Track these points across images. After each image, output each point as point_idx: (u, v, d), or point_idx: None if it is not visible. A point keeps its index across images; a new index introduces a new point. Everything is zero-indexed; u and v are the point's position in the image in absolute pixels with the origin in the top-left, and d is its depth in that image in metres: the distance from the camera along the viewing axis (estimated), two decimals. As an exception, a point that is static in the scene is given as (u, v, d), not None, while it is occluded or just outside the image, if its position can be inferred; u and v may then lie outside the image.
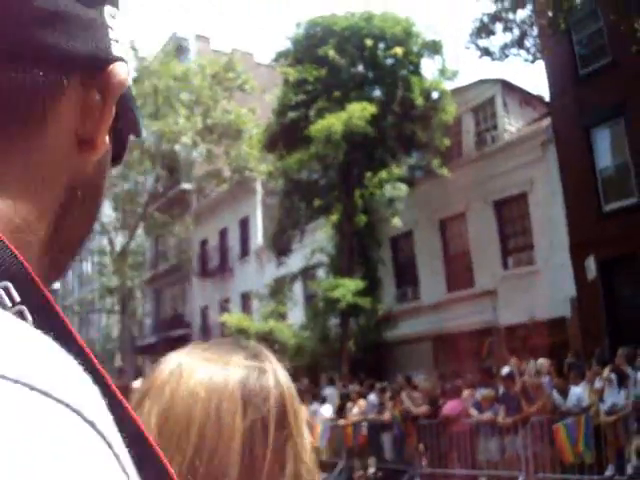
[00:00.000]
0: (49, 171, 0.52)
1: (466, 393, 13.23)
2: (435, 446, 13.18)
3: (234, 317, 23.96)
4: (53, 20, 0.50)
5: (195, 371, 0.93)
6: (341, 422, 15.80)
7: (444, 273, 20.31)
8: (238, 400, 0.92)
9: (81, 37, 0.52)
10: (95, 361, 0.46)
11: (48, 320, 0.45)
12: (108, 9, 0.56)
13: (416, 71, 20.07)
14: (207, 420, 0.89)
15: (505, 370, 13.00)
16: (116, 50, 0.55)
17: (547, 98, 18.72)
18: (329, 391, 17.84)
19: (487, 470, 12.20)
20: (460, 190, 19.25)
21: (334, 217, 20.82)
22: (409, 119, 19.65)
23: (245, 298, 28.43)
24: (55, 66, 0.51)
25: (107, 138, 0.55)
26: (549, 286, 16.56)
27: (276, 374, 0.99)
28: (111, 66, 0.54)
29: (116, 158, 0.62)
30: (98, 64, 0.54)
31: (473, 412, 12.61)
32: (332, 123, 18.32)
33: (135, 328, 36.57)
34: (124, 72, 0.55)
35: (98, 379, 0.44)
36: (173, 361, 0.96)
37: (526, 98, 20.20)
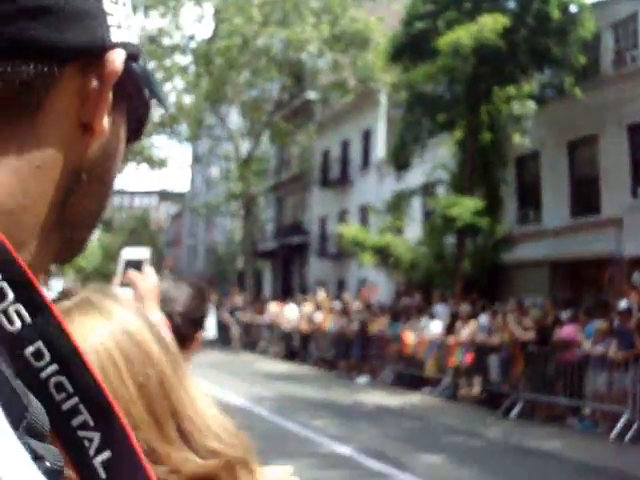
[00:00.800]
0: (46, 156, 0.55)
1: (580, 322, 12.99)
2: (541, 373, 13.09)
3: (351, 229, 24.23)
4: (41, 13, 0.52)
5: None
6: (450, 341, 15.93)
7: (569, 198, 19.60)
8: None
9: (73, 28, 0.54)
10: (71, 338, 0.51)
11: (27, 297, 0.50)
12: None
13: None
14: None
15: (623, 304, 12.62)
16: (116, 36, 0.57)
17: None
18: (440, 308, 17.94)
19: (592, 403, 12.05)
20: (593, 112, 18.26)
21: (458, 133, 20.31)
22: (544, 33, 18.58)
23: (363, 210, 28.59)
24: (46, 58, 0.53)
25: (107, 121, 0.57)
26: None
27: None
28: (108, 54, 0.56)
29: (135, 135, 0.66)
30: (94, 53, 0.55)
31: (585, 343, 12.38)
32: (461, 36, 17.64)
33: (257, 233, 37.68)
34: (119, 60, 0.56)
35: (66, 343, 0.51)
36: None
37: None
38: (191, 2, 29.56)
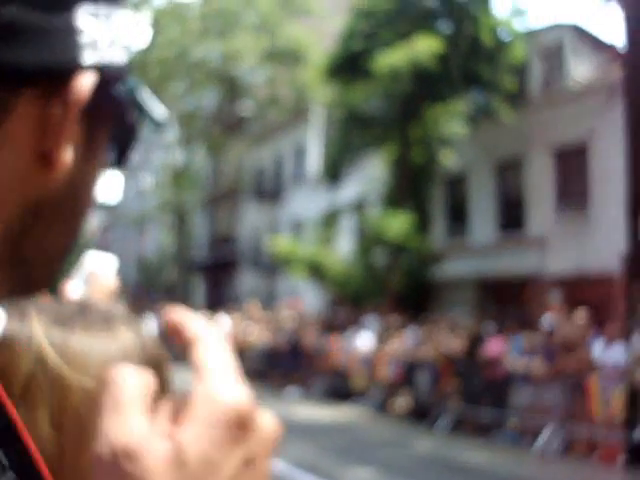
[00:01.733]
0: None
1: (505, 338, 13.38)
2: (469, 387, 13.43)
3: (284, 242, 24.33)
4: None
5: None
6: (379, 354, 16.15)
7: (496, 217, 20.21)
8: None
9: (31, 47, 0.47)
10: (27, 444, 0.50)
11: None
12: (88, 9, 0.50)
13: (486, 8, 19.53)
14: None
15: (546, 319, 13.10)
16: (90, 57, 0.50)
17: (620, 45, 18.06)
18: (370, 320, 18.17)
19: (517, 416, 12.42)
20: (520, 134, 18.95)
21: (390, 150, 20.74)
22: (476, 57, 19.23)
23: (296, 224, 28.75)
24: None
25: (71, 152, 0.51)
26: (600, 239, 16.38)
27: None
28: (75, 78, 0.50)
29: (120, 161, 0.60)
30: (56, 77, 0.49)
31: (510, 358, 12.77)
32: (397, 59, 18.03)
33: (189, 245, 37.36)
34: (86, 86, 0.50)
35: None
36: None
37: (598, 45, 19.53)
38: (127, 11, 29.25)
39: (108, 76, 0.52)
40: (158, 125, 0.61)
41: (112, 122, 0.56)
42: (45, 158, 0.50)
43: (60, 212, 0.53)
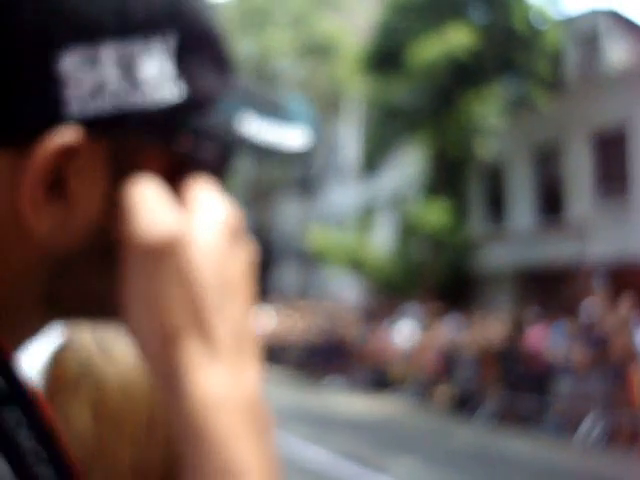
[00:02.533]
0: None
1: (547, 327, 13.33)
2: (510, 377, 13.40)
3: (322, 235, 24.43)
4: None
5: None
6: (419, 345, 16.19)
7: (535, 206, 20.06)
8: None
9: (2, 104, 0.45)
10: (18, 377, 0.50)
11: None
12: (85, 53, 0.46)
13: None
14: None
15: (587, 307, 13.02)
16: (81, 108, 0.46)
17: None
18: (410, 312, 18.20)
19: (559, 405, 12.38)
20: (558, 122, 18.78)
21: (427, 142, 20.71)
22: (510, 45, 19.09)
23: (334, 217, 28.83)
24: None
25: (38, 212, 0.47)
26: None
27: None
28: (50, 132, 0.46)
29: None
30: (28, 132, 0.46)
31: (551, 347, 12.73)
32: (433, 54, 17.96)
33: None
34: (56, 143, 0.45)
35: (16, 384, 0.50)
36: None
37: (635, 31, 19.25)
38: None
39: (117, 124, 0.47)
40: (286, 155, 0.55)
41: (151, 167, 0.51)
42: (20, 218, 0.47)
43: (73, 264, 0.51)
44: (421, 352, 15.99)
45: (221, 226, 0.50)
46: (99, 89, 0.46)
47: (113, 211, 0.49)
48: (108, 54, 0.46)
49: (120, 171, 0.49)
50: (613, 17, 18.96)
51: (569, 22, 19.43)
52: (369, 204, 22.72)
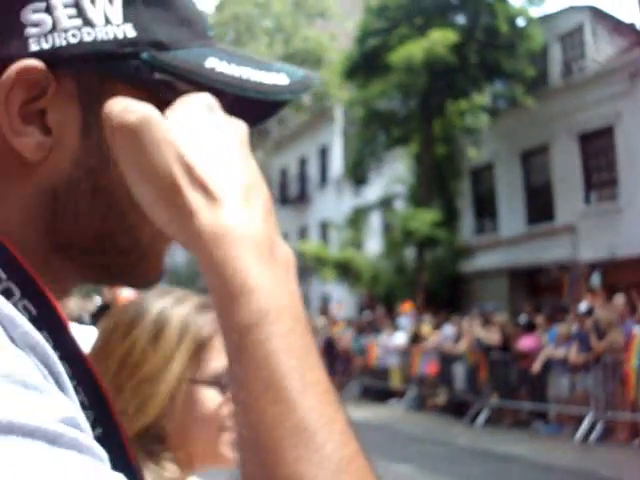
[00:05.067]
0: None
1: (541, 329, 13.21)
2: (505, 379, 13.28)
3: (312, 245, 24.31)
4: None
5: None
6: (414, 350, 16.05)
7: (524, 206, 19.98)
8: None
9: None
10: (68, 330, 0.56)
11: (33, 293, 0.54)
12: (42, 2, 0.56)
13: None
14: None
15: (582, 307, 12.89)
16: (35, 45, 0.55)
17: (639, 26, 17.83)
18: (404, 320, 18.07)
19: (556, 406, 12.25)
20: (544, 121, 18.71)
21: (413, 147, 20.64)
22: (493, 47, 19.04)
23: (323, 227, 28.72)
24: None
25: (36, 132, 0.56)
26: (631, 223, 16.11)
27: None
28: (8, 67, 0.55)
29: (254, 120, 0.64)
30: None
31: (547, 348, 12.59)
32: (413, 51, 17.94)
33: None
34: (14, 70, 0.55)
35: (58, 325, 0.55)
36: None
37: (617, 26, 19.24)
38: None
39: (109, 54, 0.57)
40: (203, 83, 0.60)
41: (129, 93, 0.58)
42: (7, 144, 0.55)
43: (81, 196, 0.57)
44: (416, 358, 15.83)
45: (194, 103, 0.56)
46: (54, 28, 0.56)
47: (90, 143, 0.57)
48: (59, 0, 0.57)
49: (91, 104, 0.57)
50: (593, 13, 18.94)
51: (550, 20, 19.40)
52: (358, 211, 22.59)
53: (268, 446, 0.47)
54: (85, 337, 1.15)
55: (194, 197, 0.52)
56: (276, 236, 0.55)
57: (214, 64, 0.60)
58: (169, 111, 0.55)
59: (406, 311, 18.11)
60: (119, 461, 0.52)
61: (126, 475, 0.47)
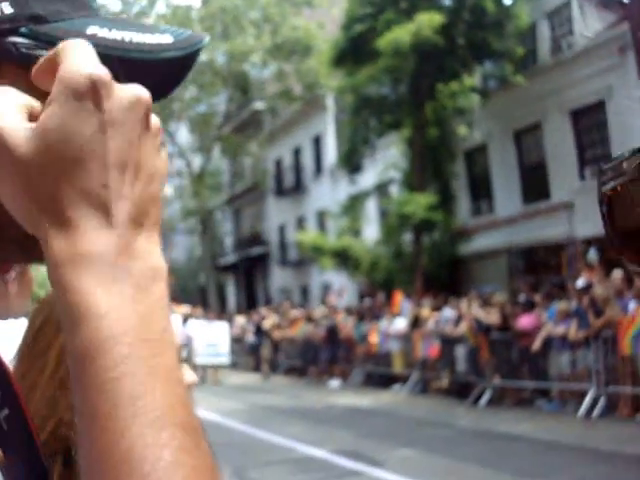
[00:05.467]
0: None
1: (540, 307, 13.21)
2: (507, 359, 13.29)
3: (310, 235, 24.30)
4: None
5: None
6: (415, 334, 16.06)
7: (519, 186, 19.94)
8: None
9: None
10: None
11: None
12: None
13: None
14: None
15: (580, 283, 12.89)
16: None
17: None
18: (404, 305, 18.06)
19: (558, 383, 12.26)
20: (535, 100, 18.65)
21: (405, 131, 20.57)
22: (481, 27, 18.94)
23: (320, 216, 28.70)
24: None
25: None
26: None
27: None
28: None
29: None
30: None
31: (547, 326, 12.60)
32: (400, 35, 17.86)
33: (216, 248, 37.51)
34: None
35: None
36: None
37: (603, 1, 19.13)
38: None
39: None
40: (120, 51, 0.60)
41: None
42: None
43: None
44: (417, 342, 15.85)
45: (70, 101, 0.48)
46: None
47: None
48: None
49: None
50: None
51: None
52: (354, 198, 22.56)
53: (97, 478, 0.45)
54: (13, 331, 1.14)
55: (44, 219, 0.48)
56: (136, 251, 0.48)
57: (95, 31, 0.60)
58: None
59: (400, 300, 18.09)
60: (24, 441, 0.55)
61: (30, 454, 0.49)
